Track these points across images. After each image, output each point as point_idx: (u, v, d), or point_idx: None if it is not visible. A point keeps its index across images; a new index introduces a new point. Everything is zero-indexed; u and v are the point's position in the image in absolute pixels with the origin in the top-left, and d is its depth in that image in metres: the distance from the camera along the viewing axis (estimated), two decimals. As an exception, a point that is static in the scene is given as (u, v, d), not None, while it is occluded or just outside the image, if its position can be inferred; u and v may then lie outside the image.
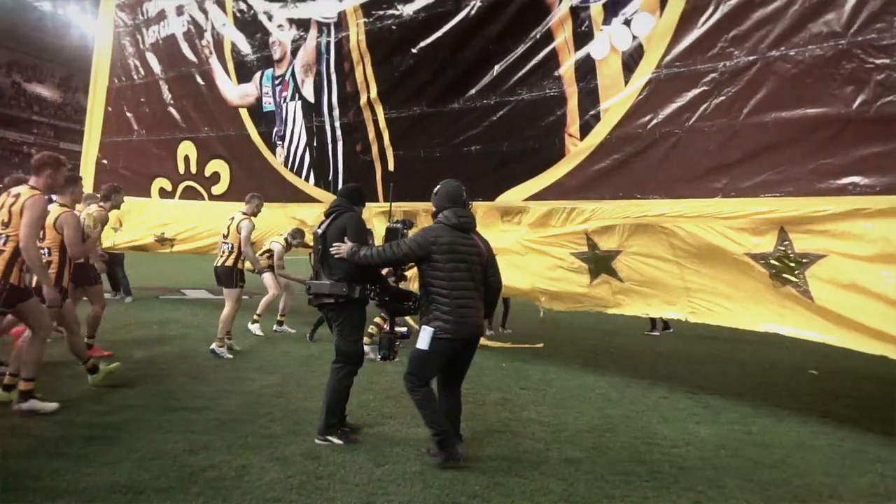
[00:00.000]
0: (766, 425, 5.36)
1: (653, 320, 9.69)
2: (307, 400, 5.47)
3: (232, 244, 7.34)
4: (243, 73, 9.58)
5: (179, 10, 10.52)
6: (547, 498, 3.69)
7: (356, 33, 7.64)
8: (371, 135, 7.60)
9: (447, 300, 4.07)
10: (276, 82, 9.24)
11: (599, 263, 6.10)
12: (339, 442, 4.44)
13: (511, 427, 5.07)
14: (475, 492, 3.73)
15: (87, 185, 12.42)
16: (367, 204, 8.04)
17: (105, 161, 12.06)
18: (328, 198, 8.60)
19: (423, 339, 4.12)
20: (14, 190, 4.68)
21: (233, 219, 7.45)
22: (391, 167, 7.59)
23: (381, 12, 7.30)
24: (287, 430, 4.70)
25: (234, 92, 9.77)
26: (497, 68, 6.30)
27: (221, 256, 7.40)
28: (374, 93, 7.51)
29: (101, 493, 3.54)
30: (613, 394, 6.28)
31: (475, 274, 4.14)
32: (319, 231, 4.60)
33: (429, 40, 6.82)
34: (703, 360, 8.30)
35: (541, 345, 8.71)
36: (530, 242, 6.54)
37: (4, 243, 4.52)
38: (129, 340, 7.80)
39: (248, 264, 7.62)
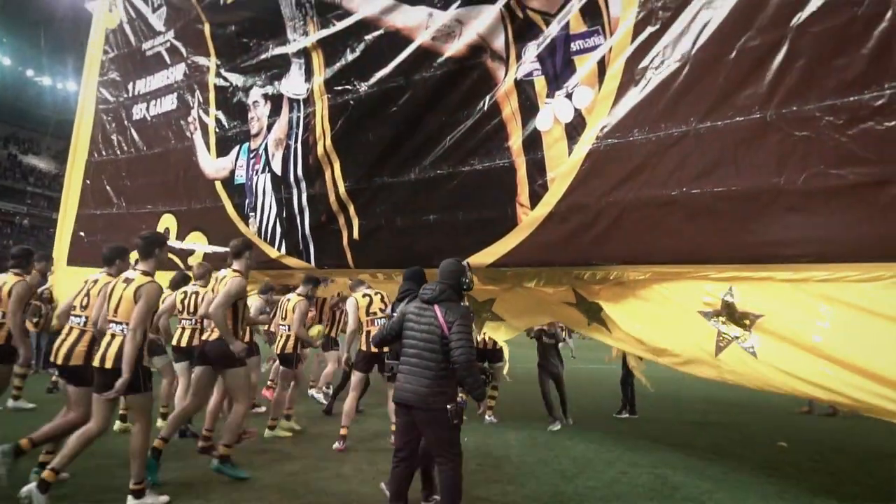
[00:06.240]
0: (720, 502, 5.18)
1: (623, 402, 9.46)
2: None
3: (289, 325, 7.48)
4: (223, 147, 9.72)
5: (168, 89, 10.79)
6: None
7: (321, 108, 7.82)
8: (335, 206, 7.66)
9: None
10: (251, 155, 9.37)
11: (590, 312, 6.11)
12: None
13: (455, 506, 4.87)
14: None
15: (62, 257, 12.55)
16: (339, 270, 8.34)
17: (82, 233, 12.14)
18: (301, 265, 8.60)
19: None
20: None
21: (289, 300, 7.68)
22: (356, 235, 7.63)
23: (341, 87, 7.51)
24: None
25: (212, 165, 9.90)
26: (448, 140, 6.39)
27: (280, 339, 7.54)
28: (336, 165, 7.62)
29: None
30: (572, 469, 6.10)
31: (425, 343, 4.16)
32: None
33: (384, 114, 6.95)
34: (674, 431, 8.11)
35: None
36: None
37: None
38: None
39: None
